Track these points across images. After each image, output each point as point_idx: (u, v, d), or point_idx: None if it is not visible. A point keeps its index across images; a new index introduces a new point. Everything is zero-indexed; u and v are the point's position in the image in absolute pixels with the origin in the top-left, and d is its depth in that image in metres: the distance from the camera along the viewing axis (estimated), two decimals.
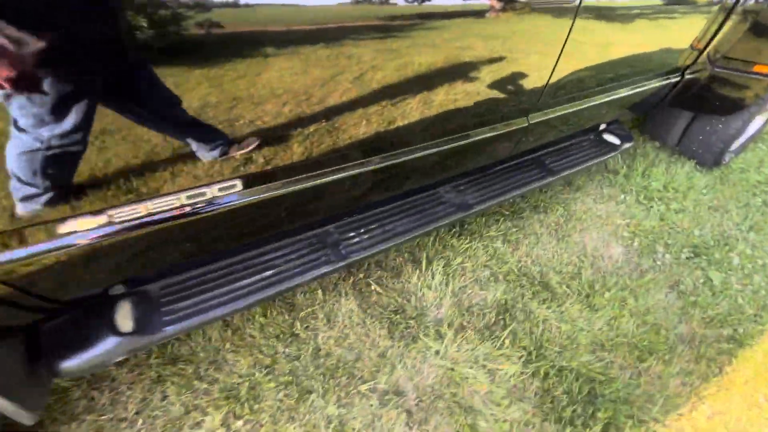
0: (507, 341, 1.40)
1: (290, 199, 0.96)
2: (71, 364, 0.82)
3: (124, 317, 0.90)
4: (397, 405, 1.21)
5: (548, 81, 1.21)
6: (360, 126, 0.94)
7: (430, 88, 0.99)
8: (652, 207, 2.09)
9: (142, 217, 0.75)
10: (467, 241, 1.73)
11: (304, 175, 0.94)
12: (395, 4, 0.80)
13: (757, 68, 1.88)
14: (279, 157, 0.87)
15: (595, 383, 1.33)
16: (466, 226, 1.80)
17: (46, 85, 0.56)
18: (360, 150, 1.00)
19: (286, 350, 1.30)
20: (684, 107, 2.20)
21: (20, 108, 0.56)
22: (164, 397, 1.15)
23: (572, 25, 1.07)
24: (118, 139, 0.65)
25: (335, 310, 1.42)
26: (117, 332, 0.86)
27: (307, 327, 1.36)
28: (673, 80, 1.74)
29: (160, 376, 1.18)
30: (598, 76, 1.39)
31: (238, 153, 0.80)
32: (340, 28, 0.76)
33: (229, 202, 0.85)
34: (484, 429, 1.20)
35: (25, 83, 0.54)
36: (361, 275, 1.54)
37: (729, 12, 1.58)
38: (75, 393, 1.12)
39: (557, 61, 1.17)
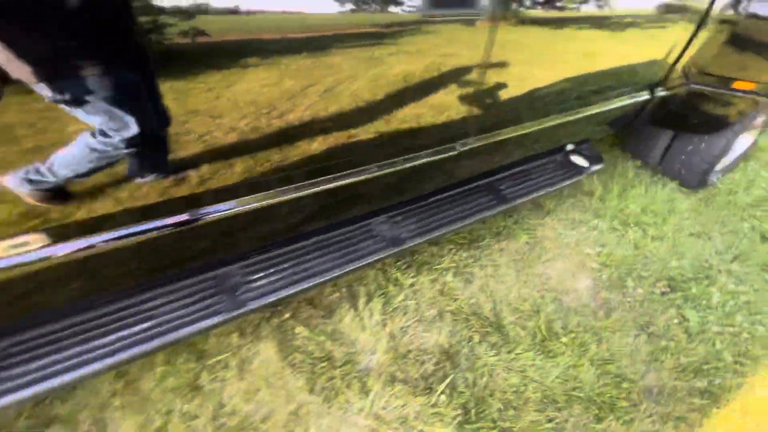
0: (444, 396, 1.22)
1: (184, 234, 0.82)
2: None
3: None
4: None
5: (481, 106, 1.06)
6: (272, 146, 0.81)
7: (349, 110, 0.86)
8: (626, 233, 1.91)
9: None
10: (414, 274, 1.56)
11: (202, 208, 0.80)
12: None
13: (736, 85, 1.72)
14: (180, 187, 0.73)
15: None
16: (416, 256, 1.64)
17: None
18: (272, 176, 0.86)
19: (184, 407, 1.13)
20: (662, 125, 2.03)
21: None
22: None
23: (493, 40, 0.92)
24: None
25: (250, 357, 1.26)
26: None
27: (214, 378, 1.20)
28: (643, 98, 1.59)
29: None
30: (545, 98, 1.24)
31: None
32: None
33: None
34: None
35: None
36: (287, 315, 1.37)
37: (699, 24, 1.43)
38: None
39: (491, 84, 1.02)
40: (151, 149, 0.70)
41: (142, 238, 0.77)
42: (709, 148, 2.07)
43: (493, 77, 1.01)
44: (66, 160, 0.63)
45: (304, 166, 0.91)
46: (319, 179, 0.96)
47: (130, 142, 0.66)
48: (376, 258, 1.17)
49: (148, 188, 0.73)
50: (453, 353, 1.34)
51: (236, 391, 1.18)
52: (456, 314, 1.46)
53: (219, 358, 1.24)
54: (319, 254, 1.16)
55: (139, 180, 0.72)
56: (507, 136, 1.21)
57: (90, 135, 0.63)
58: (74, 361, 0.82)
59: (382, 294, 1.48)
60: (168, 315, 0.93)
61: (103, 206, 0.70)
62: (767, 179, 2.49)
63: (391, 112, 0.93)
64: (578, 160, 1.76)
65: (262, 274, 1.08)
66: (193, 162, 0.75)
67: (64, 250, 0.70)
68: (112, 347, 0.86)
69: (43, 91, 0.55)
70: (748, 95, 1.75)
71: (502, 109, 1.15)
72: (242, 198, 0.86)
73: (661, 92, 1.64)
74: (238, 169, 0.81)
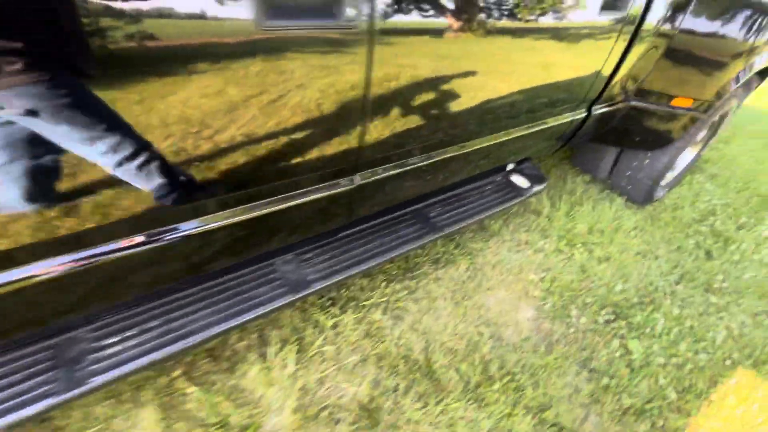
0: None
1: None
2: None
3: None
4: None
5: (374, 131, 0.90)
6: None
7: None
8: (573, 255, 1.82)
9: None
10: (338, 312, 1.39)
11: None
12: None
13: (675, 102, 1.67)
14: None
15: None
16: (342, 290, 1.47)
17: None
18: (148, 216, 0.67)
19: None
20: (605, 143, 1.97)
21: None
22: None
23: (371, 60, 0.76)
24: None
25: (125, 429, 1.04)
26: None
27: None
28: (579, 117, 1.49)
29: None
30: (470, 118, 1.11)
31: None
32: None
33: None
34: None
35: None
36: (178, 372, 1.16)
37: (632, 37, 1.35)
38: None
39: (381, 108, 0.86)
40: None
41: None
42: (654, 165, 2.03)
43: (381, 96, 0.86)
44: None
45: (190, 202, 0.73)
46: (213, 215, 0.78)
47: None
48: (270, 308, 0.99)
49: None
50: (374, 409, 1.17)
51: None
52: (382, 359, 1.30)
53: None
54: (198, 307, 0.97)
55: None
56: (404, 170, 1.05)
57: None
58: None
59: (298, 339, 1.30)
60: None
61: None
62: (712, 192, 2.51)
63: (285, 136, 0.76)
64: (519, 181, 1.65)
65: (117, 338, 0.87)
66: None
67: None
68: None
69: None
70: (687, 112, 1.71)
71: (414, 134, 1.01)
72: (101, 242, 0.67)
73: (599, 109, 1.56)
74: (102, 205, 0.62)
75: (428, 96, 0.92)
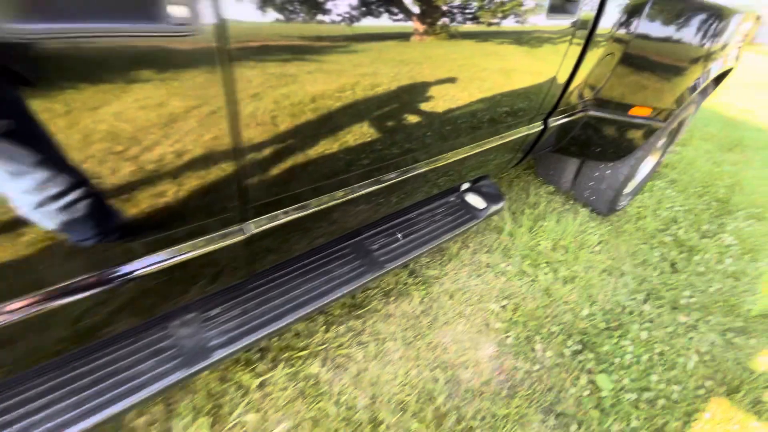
0: None
1: None
2: None
3: None
4: None
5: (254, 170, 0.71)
6: None
7: None
8: (537, 277, 1.69)
9: None
10: (267, 368, 1.18)
11: None
12: None
13: (633, 111, 1.57)
14: None
15: None
16: (273, 339, 1.26)
17: None
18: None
19: None
20: (566, 154, 1.86)
21: None
22: None
23: (230, 82, 0.57)
24: None
25: None
26: None
27: None
28: (535, 129, 1.36)
29: None
30: (412, 138, 0.93)
31: None
32: None
33: None
34: None
35: None
36: None
37: (586, 43, 1.22)
38: None
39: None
40: None
41: None
42: (616, 175, 1.94)
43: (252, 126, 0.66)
44: None
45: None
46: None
47: None
48: (150, 393, 0.77)
49: None
50: None
51: None
52: (318, 423, 1.09)
53: None
54: (67, 393, 0.73)
55: None
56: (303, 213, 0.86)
57: None
58: None
59: (215, 407, 1.07)
60: None
61: None
62: (673, 198, 2.46)
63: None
64: (475, 201, 1.50)
65: None
66: None
67: None
68: None
69: None
70: (646, 122, 1.61)
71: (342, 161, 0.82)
72: None
73: (556, 121, 1.43)
74: None
75: (333, 116, 0.74)
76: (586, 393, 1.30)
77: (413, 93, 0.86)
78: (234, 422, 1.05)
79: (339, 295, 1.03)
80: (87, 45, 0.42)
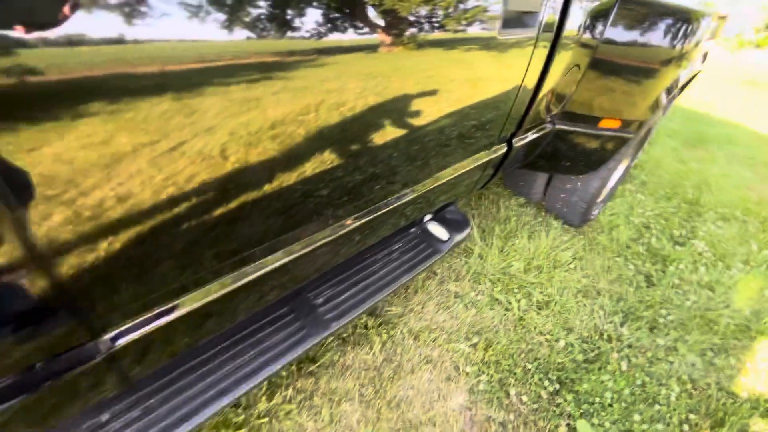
0: None
1: None
2: None
3: None
4: None
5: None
6: None
7: None
8: (510, 305, 1.56)
9: None
10: None
11: None
12: None
13: (603, 124, 1.45)
14: None
15: None
16: None
17: None
18: None
19: None
20: (535, 169, 1.74)
21: None
22: None
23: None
24: None
25: None
26: None
27: None
28: (499, 153, 1.21)
29: None
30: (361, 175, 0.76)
31: None
32: None
33: None
34: None
35: None
36: None
37: (552, 49, 1.08)
38: None
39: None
40: None
41: None
42: (586, 188, 1.83)
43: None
44: None
45: None
46: None
47: None
48: None
49: None
50: None
51: None
52: None
53: None
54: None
55: None
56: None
57: None
58: None
59: None
60: None
61: None
62: (644, 203, 2.41)
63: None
64: (437, 231, 1.34)
65: None
66: None
67: None
68: None
69: None
70: (615, 133, 1.50)
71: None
72: None
73: (523, 138, 1.29)
74: None
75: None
76: None
77: (353, 128, 0.69)
78: None
79: (268, 374, 0.85)
80: None
